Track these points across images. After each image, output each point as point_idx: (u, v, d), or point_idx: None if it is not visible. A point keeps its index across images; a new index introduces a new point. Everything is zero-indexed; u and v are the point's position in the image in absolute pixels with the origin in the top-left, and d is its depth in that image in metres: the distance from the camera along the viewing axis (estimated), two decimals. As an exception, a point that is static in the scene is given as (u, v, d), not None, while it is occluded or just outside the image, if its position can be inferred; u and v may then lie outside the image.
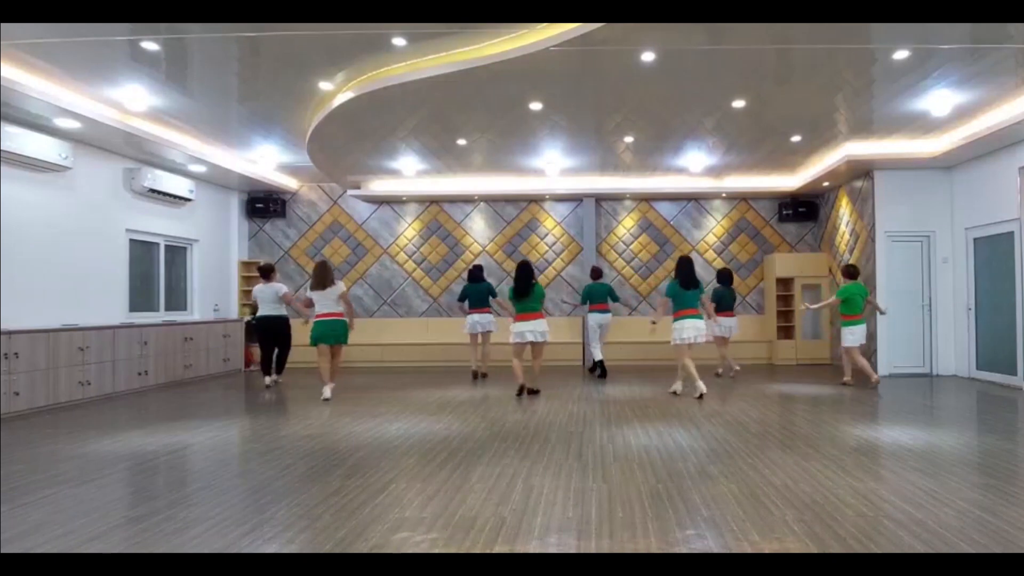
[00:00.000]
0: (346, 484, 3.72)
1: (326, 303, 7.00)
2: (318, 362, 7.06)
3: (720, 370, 9.02)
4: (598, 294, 8.71)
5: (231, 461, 4.42)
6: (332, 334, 7.01)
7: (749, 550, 2.71)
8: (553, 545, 2.79)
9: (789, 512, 3.18)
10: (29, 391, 6.27)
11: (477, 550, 2.72)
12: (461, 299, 8.67)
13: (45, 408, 6.42)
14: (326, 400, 6.80)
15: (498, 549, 2.74)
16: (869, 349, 9.05)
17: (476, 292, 8.52)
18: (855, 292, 7.66)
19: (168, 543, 2.84)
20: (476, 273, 8.69)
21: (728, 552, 2.70)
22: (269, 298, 8.09)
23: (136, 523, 3.11)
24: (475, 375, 8.72)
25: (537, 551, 2.72)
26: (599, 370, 8.80)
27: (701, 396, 6.68)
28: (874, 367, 8.87)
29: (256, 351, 10.40)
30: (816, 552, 2.68)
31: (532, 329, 6.92)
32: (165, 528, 3.02)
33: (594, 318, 8.71)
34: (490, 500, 3.40)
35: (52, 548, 2.79)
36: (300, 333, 8.28)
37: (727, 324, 8.67)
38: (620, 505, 3.30)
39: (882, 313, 8.35)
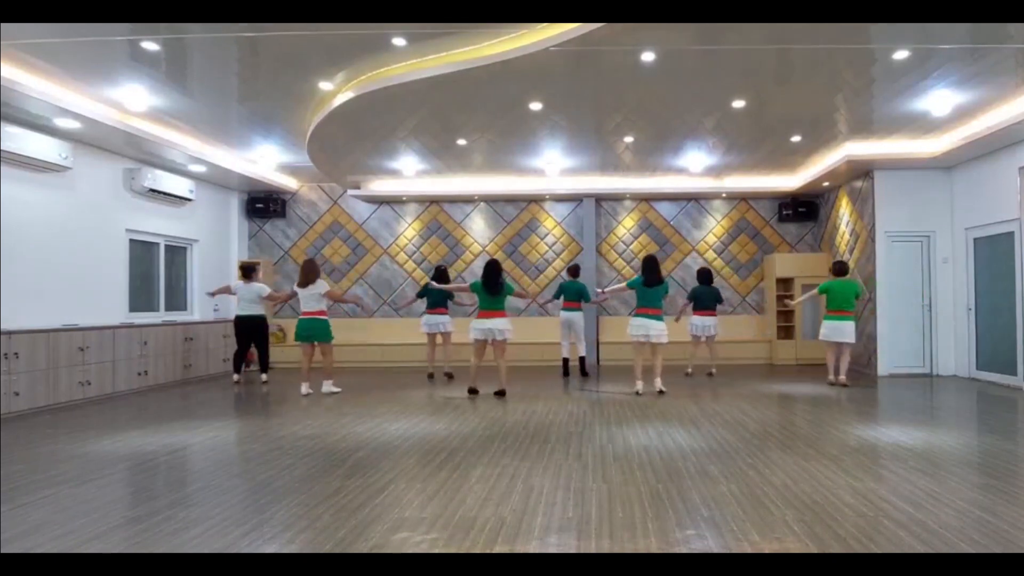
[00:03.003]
0: (346, 484, 3.72)
1: (308, 301, 7.22)
2: (301, 360, 7.31)
3: (690, 369, 8.96)
4: (570, 292, 8.67)
5: (231, 461, 4.42)
6: (310, 333, 7.20)
7: (749, 550, 2.71)
8: (553, 545, 2.79)
9: (789, 512, 3.18)
10: (29, 391, 6.27)
11: (477, 550, 2.72)
12: (421, 295, 8.74)
13: (45, 408, 6.42)
14: (306, 395, 7.05)
15: (498, 549, 2.74)
16: (869, 349, 9.06)
17: (439, 293, 8.56)
18: (839, 288, 7.68)
19: (168, 543, 2.84)
20: (441, 274, 8.73)
21: (728, 552, 2.70)
22: (249, 297, 8.26)
23: (136, 523, 3.11)
24: (432, 376, 8.70)
25: (537, 551, 2.72)
26: (564, 367, 8.82)
27: (638, 394, 6.94)
28: (874, 367, 8.89)
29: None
30: (816, 552, 2.68)
31: (492, 327, 6.96)
32: (165, 528, 3.02)
33: (564, 316, 8.68)
34: (490, 500, 3.40)
35: (52, 548, 2.79)
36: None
37: (706, 324, 8.68)
38: (620, 505, 3.30)
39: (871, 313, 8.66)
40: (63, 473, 4.04)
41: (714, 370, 8.95)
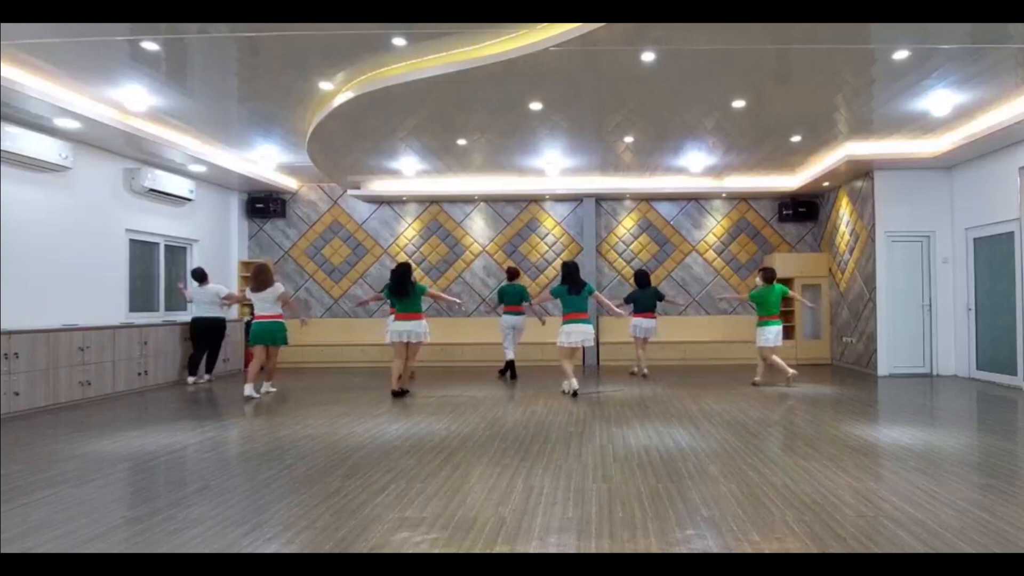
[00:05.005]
0: (346, 484, 3.72)
1: (263, 305, 7.29)
2: (252, 361, 7.34)
3: (635, 368, 8.97)
4: (512, 295, 8.57)
5: (231, 461, 4.42)
6: (267, 335, 7.28)
7: (749, 550, 2.71)
8: (553, 545, 2.78)
9: (789, 512, 3.18)
10: (29, 391, 6.27)
11: (477, 550, 2.72)
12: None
13: (45, 408, 6.42)
14: (248, 398, 7.00)
15: (498, 549, 2.74)
16: (869, 349, 9.07)
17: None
18: (768, 295, 7.77)
19: (168, 543, 2.84)
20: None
21: (728, 552, 2.70)
22: (206, 299, 8.43)
23: (136, 523, 3.11)
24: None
25: (537, 551, 2.72)
26: (509, 371, 8.72)
27: (575, 393, 6.95)
28: (874, 367, 8.89)
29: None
30: (816, 552, 2.68)
31: (410, 329, 7.01)
32: (165, 528, 3.02)
33: (507, 320, 8.57)
34: (490, 500, 3.40)
35: (52, 548, 2.79)
36: (296, 335, 8.31)
37: (647, 325, 8.68)
38: (620, 505, 3.30)
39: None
40: (63, 473, 4.04)
41: (647, 371, 8.86)
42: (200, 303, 8.45)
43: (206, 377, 8.62)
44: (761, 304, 7.78)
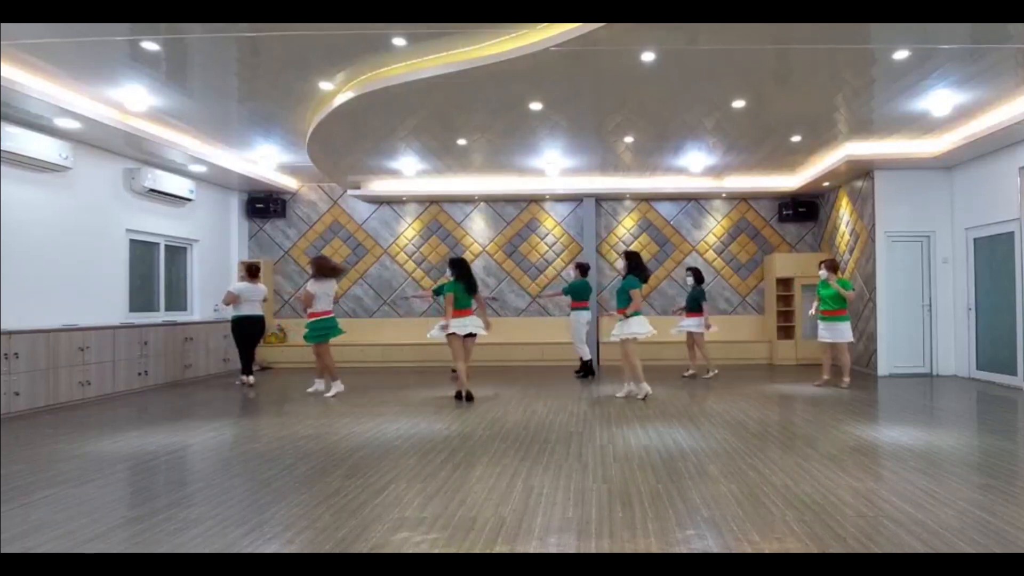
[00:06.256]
0: (346, 484, 3.72)
1: (327, 300, 7.39)
2: (327, 359, 7.42)
3: (704, 370, 8.90)
4: (585, 292, 8.59)
5: (231, 461, 4.42)
6: (336, 330, 7.42)
7: (749, 550, 2.71)
8: (553, 545, 2.79)
9: (789, 512, 3.18)
10: (29, 391, 6.27)
11: (477, 550, 2.72)
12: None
13: (45, 408, 6.42)
14: (336, 394, 7.24)
15: (498, 549, 2.74)
16: (869, 349, 9.07)
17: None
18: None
19: (168, 543, 2.84)
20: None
21: (728, 552, 2.70)
22: (257, 297, 8.28)
23: (136, 523, 3.11)
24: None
25: (537, 551, 2.72)
26: (587, 371, 8.77)
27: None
28: (875, 367, 8.88)
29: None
30: (816, 552, 2.68)
31: (474, 323, 6.93)
32: (165, 528, 3.02)
33: (583, 316, 8.60)
34: (490, 500, 3.40)
35: (52, 548, 2.80)
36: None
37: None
38: (620, 505, 3.30)
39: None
40: (63, 473, 4.04)
41: (695, 372, 8.81)
42: (251, 301, 8.20)
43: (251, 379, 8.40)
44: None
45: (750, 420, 5.60)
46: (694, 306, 8.55)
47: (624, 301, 6.82)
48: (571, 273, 8.97)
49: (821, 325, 7.72)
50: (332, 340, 7.39)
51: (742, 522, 3.04)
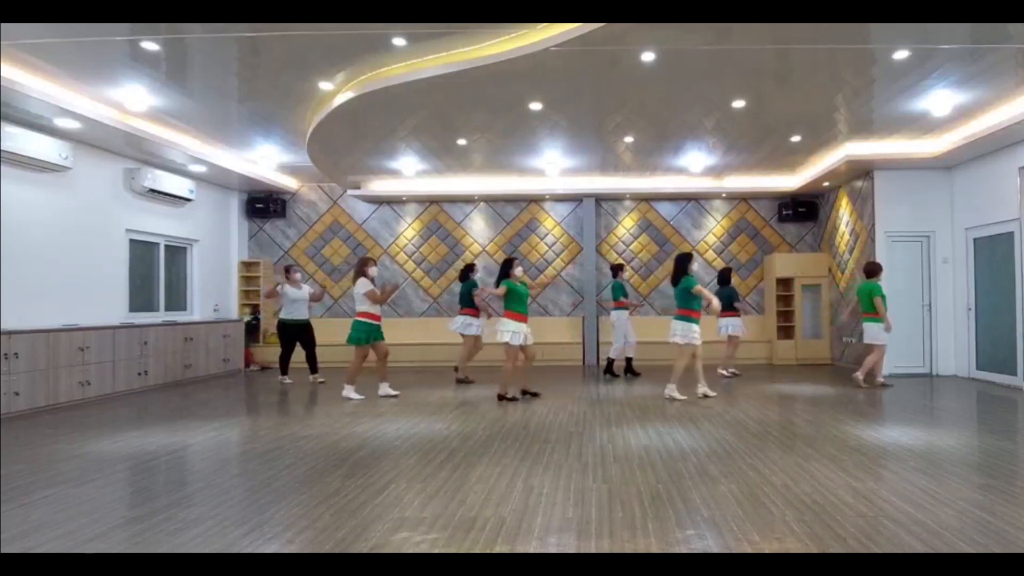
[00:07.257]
0: (346, 484, 3.72)
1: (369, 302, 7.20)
2: (383, 361, 7.36)
3: (724, 370, 9.04)
4: (622, 291, 8.64)
5: (231, 461, 4.42)
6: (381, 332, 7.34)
7: (749, 550, 2.71)
8: (553, 545, 2.78)
9: (789, 512, 3.18)
10: (29, 391, 6.27)
11: (477, 550, 2.72)
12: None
13: (45, 408, 6.42)
14: (387, 396, 7.13)
15: (498, 549, 2.74)
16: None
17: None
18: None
19: (168, 543, 2.84)
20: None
21: (728, 552, 2.70)
22: (302, 298, 8.32)
23: (136, 523, 3.10)
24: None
25: (537, 551, 2.72)
26: (630, 370, 8.86)
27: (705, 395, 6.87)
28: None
29: (256, 352, 10.49)
30: (816, 552, 2.68)
31: (528, 331, 6.90)
32: (165, 528, 3.02)
33: (624, 315, 8.63)
34: (490, 500, 3.40)
35: (52, 548, 2.79)
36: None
37: (726, 324, 8.83)
38: (620, 505, 3.30)
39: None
40: (63, 473, 4.04)
41: (734, 370, 8.99)
42: (298, 301, 8.22)
43: (314, 378, 8.37)
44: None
45: (750, 420, 5.60)
46: (727, 305, 8.66)
47: (686, 301, 6.78)
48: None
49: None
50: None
51: (742, 522, 3.04)
